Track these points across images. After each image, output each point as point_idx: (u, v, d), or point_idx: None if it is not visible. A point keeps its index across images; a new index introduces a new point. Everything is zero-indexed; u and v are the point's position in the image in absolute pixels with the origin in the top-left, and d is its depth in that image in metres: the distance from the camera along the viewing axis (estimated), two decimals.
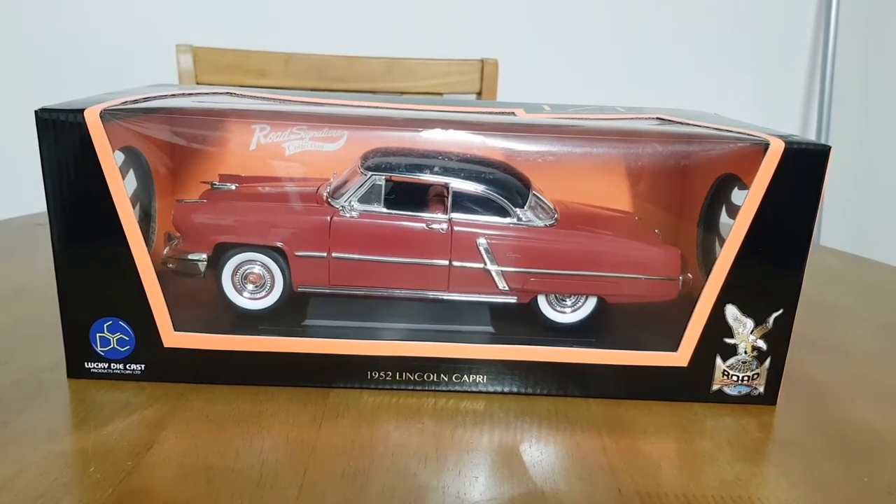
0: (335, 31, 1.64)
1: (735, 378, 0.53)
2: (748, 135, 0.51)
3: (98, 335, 0.52)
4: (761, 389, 0.54)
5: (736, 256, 0.51)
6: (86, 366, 0.52)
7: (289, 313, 0.57)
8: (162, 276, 0.51)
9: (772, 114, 1.80)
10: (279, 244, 0.56)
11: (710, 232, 0.58)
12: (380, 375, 0.53)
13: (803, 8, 1.77)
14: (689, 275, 0.57)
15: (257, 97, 0.58)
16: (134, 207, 0.51)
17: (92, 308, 0.51)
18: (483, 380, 0.54)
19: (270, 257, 0.56)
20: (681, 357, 0.53)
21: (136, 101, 0.51)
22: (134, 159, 0.55)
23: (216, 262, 0.57)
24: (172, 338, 0.52)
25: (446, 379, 0.53)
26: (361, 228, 0.56)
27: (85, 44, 1.59)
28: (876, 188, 1.84)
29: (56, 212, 0.49)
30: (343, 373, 0.53)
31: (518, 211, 0.56)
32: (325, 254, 0.56)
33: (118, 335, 0.52)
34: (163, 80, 1.16)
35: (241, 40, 1.34)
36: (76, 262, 0.50)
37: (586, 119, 0.56)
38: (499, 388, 0.54)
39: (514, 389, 0.54)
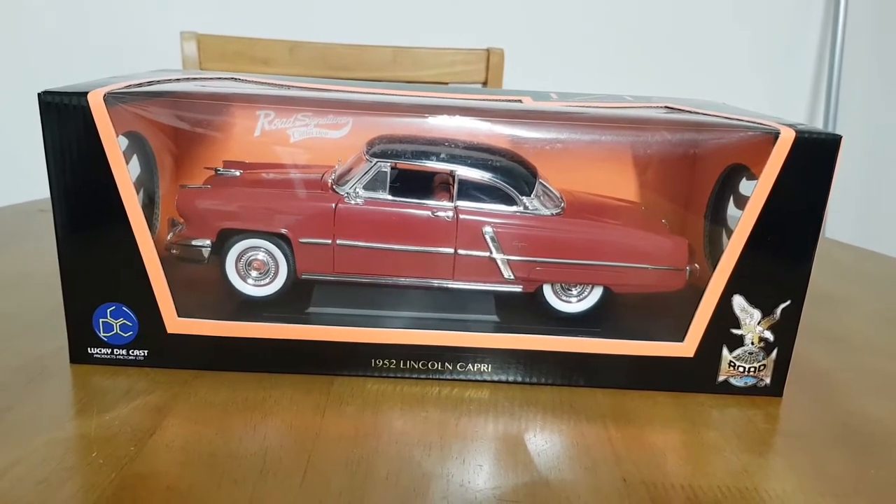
0: (340, 19, 1.64)
1: (741, 369, 0.53)
2: (758, 124, 0.50)
3: (101, 321, 0.51)
4: (768, 381, 0.54)
5: (744, 247, 0.50)
6: (89, 351, 0.52)
7: (293, 300, 0.57)
8: (165, 261, 0.51)
9: (778, 105, 1.79)
10: (283, 231, 0.56)
11: (717, 222, 0.58)
12: (384, 363, 0.53)
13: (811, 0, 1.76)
14: (696, 265, 0.57)
15: (262, 83, 0.58)
16: (137, 193, 0.50)
17: (95, 293, 0.51)
18: (488, 369, 0.53)
19: (275, 244, 0.56)
20: (687, 347, 0.52)
21: (140, 85, 0.50)
22: (138, 144, 0.54)
23: (220, 248, 0.56)
24: (176, 324, 0.51)
25: (451, 367, 0.53)
26: (366, 216, 0.55)
27: (89, 31, 1.59)
28: (882, 181, 1.83)
29: (59, 197, 0.49)
30: (347, 360, 0.53)
31: (524, 199, 0.55)
32: (329, 241, 0.55)
33: (121, 321, 0.51)
34: (167, 67, 1.15)
35: (245, 28, 1.33)
36: (79, 247, 0.50)
37: (594, 107, 0.56)
38: (503, 378, 0.54)
39: (519, 378, 0.54)
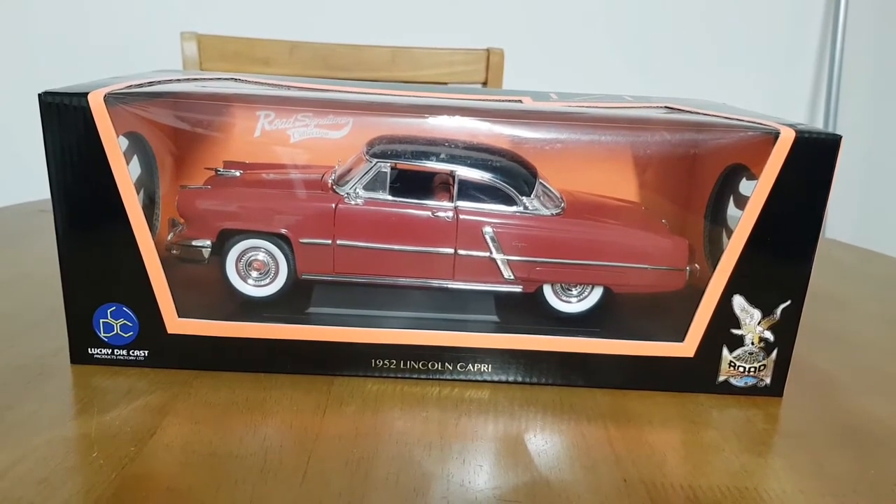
0: (340, 19, 1.64)
1: (742, 369, 0.53)
2: (758, 124, 0.50)
3: (101, 321, 0.51)
4: (768, 381, 0.54)
5: (744, 247, 0.50)
6: (89, 352, 0.52)
7: (293, 300, 0.57)
8: (166, 262, 0.51)
9: (778, 105, 1.79)
10: (283, 231, 0.56)
11: (717, 222, 0.58)
12: (384, 363, 0.53)
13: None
14: (696, 265, 0.57)
15: (262, 83, 0.58)
16: (138, 193, 0.50)
17: (95, 294, 0.51)
18: (488, 369, 0.53)
19: (275, 244, 0.56)
20: (687, 347, 0.52)
21: (140, 86, 0.50)
22: (138, 145, 0.54)
23: (220, 248, 0.56)
24: (176, 324, 0.52)
25: (451, 368, 0.53)
26: (366, 216, 0.55)
27: (89, 31, 1.59)
28: (883, 181, 1.83)
29: (60, 197, 0.49)
30: (347, 360, 0.53)
31: (524, 199, 0.55)
32: (329, 241, 0.55)
33: (122, 321, 0.52)
34: (167, 67, 1.15)
35: (245, 28, 1.33)
36: (80, 247, 0.50)
37: (594, 107, 0.56)
38: (503, 378, 0.54)
39: (519, 379, 0.54)
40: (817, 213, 0.50)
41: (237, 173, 0.59)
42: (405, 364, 0.53)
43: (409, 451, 0.45)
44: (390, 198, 0.55)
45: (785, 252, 0.51)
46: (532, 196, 0.56)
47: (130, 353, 0.52)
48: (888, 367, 0.61)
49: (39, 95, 0.47)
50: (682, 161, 0.60)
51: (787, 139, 0.48)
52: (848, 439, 0.49)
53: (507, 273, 0.56)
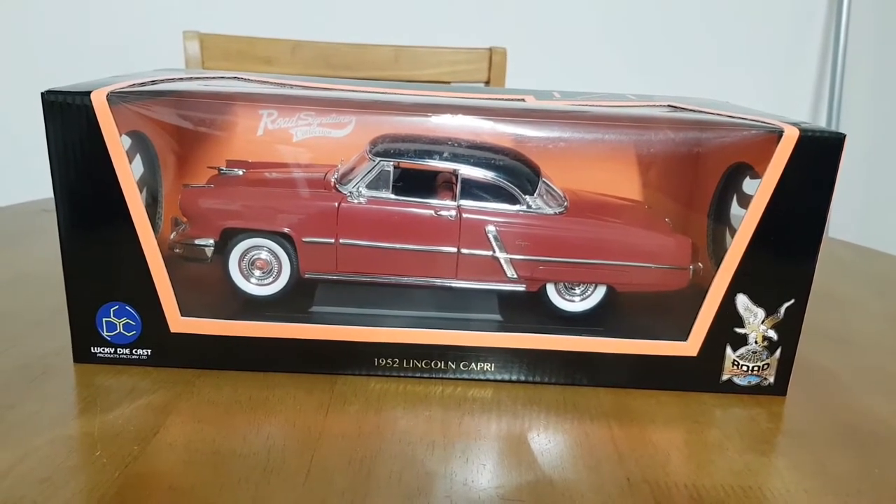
0: (342, 18, 1.64)
1: (745, 368, 0.53)
2: (761, 122, 0.50)
3: (104, 320, 0.52)
4: (771, 380, 0.53)
5: (748, 245, 0.50)
6: (92, 351, 0.52)
7: (296, 299, 0.57)
8: (169, 261, 0.51)
9: (782, 104, 1.79)
10: (286, 230, 0.56)
11: (720, 221, 0.58)
12: (387, 362, 0.53)
13: None
14: (700, 264, 0.57)
15: (265, 82, 0.58)
16: (141, 192, 0.50)
17: (98, 293, 0.51)
18: (491, 368, 0.53)
19: (278, 243, 0.56)
20: (690, 347, 0.52)
21: (143, 85, 0.50)
22: (141, 144, 0.54)
23: (223, 247, 0.56)
24: (179, 323, 0.52)
25: (454, 367, 0.53)
26: (369, 215, 0.55)
27: (91, 30, 1.59)
28: (886, 179, 1.83)
29: (63, 196, 0.49)
30: (350, 359, 0.53)
31: (527, 198, 0.55)
32: (332, 240, 0.55)
33: (124, 320, 0.52)
34: (170, 66, 1.15)
35: (248, 27, 1.33)
36: (83, 246, 0.50)
37: (597, 106, 0.56)
38: (506, 377, 0.54)
39: (522, 378, 0.54)
40: (821, 212, 0.50)
41: (240, 172, 0.59)
42: (408, 363, 0.53)
43: (412, 450, 0.45)
44: (393, 197, 0.55)
45: (788, 251, 0.51)
46: (535, 195, 0.55)
47: (133, 351, 0.52)
48: (891, 366, 0.61)
49: (42, 94, 0.47)
50: (685, 160, 0.60)
51: (790, 138, 0.48)
52: (851, 438, 0.49)
53: (510, 272, 0.56)
